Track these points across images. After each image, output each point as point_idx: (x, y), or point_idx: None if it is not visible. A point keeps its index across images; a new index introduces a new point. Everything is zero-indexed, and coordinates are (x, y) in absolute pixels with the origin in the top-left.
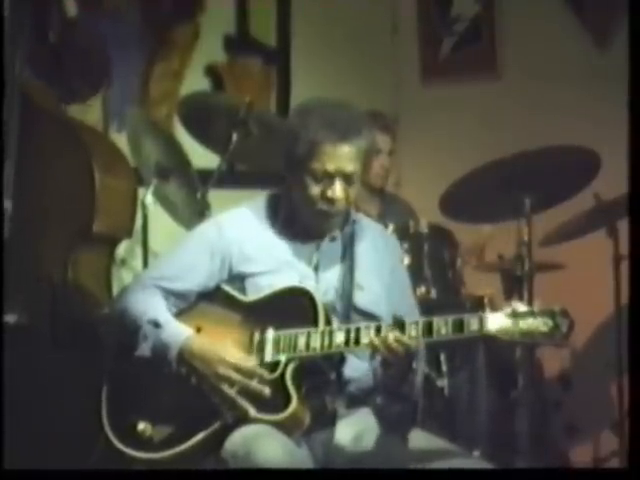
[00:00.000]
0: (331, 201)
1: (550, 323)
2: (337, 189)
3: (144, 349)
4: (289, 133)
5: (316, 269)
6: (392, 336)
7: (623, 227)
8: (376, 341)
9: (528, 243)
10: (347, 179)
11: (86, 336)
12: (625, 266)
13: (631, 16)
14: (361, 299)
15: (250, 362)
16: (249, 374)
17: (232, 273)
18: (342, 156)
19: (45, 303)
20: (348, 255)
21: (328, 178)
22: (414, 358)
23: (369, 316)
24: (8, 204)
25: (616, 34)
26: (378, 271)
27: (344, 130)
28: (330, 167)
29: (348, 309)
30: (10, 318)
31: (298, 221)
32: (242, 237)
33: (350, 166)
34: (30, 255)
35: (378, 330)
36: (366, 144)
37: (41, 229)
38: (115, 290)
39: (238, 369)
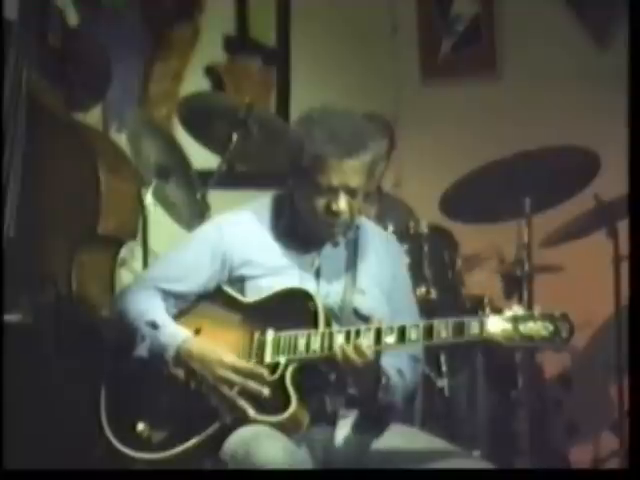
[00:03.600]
0: (335, 214)
1: (550, 327)
2: (341, 203)
3: (142, 350)
4: (294, 143)
5: (317, 273)
6: (352, 346)
7: (623, 228)
8: (337, 350)
9: (528, 244)
10: (351, 192)
11: (89, 337)
12: (625, 267)
13: (631, 16)
14: (362, 304)
15: (249, 363)
16: (248, 375)
17: (232, 275)
18: (347, 171)
19: (49, 304)
20: (350, 260)
21: (332, 191)
22: (379, 365)
23: (369, 321)
24: (13, 205)
25: (616, 34)
26: (380, 277)
27: (350, 145)
28: (335, 181)
29: (349, 314)
30: (14, 318)
31: (300, 226)
32: (243, 239)
33: (355, 180)
34: (35, 255)
35: (378, 332)
36: (372, 157)
37: (46, 230)
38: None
39: (237, 370)
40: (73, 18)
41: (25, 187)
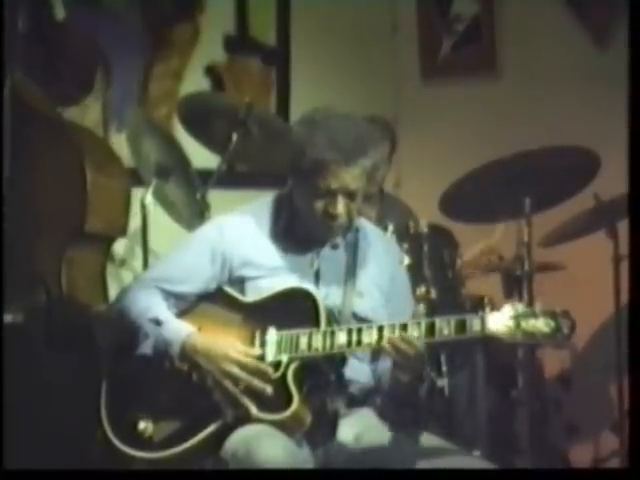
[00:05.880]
0: (333, 216)
1: (552, 324)
2: (339, 206)
3: (145, 347)
4: (294, 145)
5: (316, 275)
6: (399, 337)
7: (623, 227)
8: (384, 343)
9: (528, 243)
10: (350, 196)
11: (81, 335)
12: (625, 266)
13: (631, 16)
14: (360, 306)
15: (255, 356)
16: (253, 371)
17: (232, 276)
18: (346, 176)
19: (39, 303)
20: (349, 262)
21: (331, 195)
22: (425, 360)
23: (368, 323)
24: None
25: (616, 34)
26: (378, 278)
27: (350, 151)
28: (334, 185)
29: (347, 315)
30: (6, 318)
31: (300, 228)
32: (243, 240)
33: (354, 185)
34: (24, 255)
35: (380, 331)
36: (371, 164)
37: (34, 229)
38: (113, 290)
39: (242, 365)
40: (60, 13)
41: (13, 186)
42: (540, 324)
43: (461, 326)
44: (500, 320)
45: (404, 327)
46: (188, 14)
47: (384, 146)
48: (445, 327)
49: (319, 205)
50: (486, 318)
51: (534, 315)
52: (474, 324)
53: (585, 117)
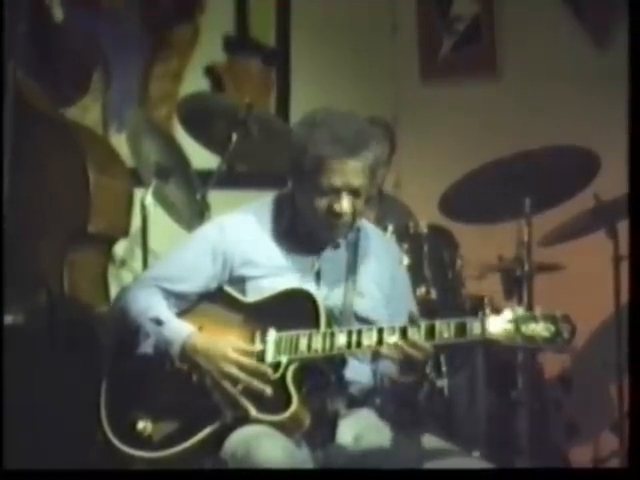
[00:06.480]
0: (338, 215)
1: (552, 328)
2: (344, 204)
3: (146, 347)
4: (295, 145)
5: (317, 275)
6: (408, 341)
7: (623, 227)
8: (392, 347)
9: (528, 243)
10: (354, 193)
11: (83, 336)
12: (625, 266)
13: (631, 16)
14: (361, 306)
15: (255, 353)
16: (252, 372)
17: (233, 275)
18: (349, 171)
19: (41, 303)
20: (350, 263)
21: (335, 192)
22: (428, 363)
23: (369, 323)
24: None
25: (616, 34)
26: (379, 279)
27: (352, 145)
28: (337, 182)
29: (348, 316)
30: (7, 319)
31: (301, 228)
32: (244, 240)
33: (357, 181)
34: (26, 256)
35: (380, 332)
36: (373, 158)
37: (37, 230)
38: (113, 290)
39: (241, 366)
40: (58, 15)
41: (15, 187)
42: (540, 328)
43: (461, 329)
44: (500, 324)
45: (404, 330)
46: (188, 14)
47: (384, 142)
48: (445, 330)
49: (323, 203)
50: (486, 321)
51: (534, 319)
52: (474, 327)
53: (585, 117)
